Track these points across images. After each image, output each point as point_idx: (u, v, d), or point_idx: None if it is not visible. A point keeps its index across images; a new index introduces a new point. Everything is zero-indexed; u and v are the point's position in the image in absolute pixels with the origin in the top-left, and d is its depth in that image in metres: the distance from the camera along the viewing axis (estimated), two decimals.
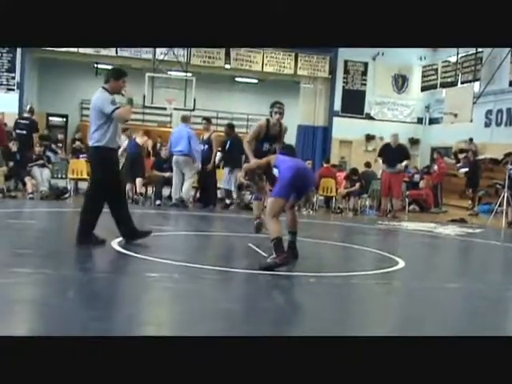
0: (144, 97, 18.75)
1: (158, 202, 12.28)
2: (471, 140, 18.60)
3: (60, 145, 17.65)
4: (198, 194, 13.19)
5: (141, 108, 20.61)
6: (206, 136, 12.62)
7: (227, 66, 20.39)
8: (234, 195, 12.77)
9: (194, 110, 18.54)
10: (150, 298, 4.42)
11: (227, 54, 20.08)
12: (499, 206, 12.56)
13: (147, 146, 14.31)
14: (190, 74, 19.45)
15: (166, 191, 12.75)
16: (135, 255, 5.76)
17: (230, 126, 13.08)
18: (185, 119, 12.68)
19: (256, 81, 23.43)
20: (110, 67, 21.72)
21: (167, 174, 12.62)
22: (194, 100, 18.78)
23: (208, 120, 13.01)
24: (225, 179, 12.55)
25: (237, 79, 23.45)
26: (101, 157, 6.22)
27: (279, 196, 5.66)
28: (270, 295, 4.58)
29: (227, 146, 12.53)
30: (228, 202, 12.54)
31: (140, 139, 12.92)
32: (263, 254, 6.21)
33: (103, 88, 6.23)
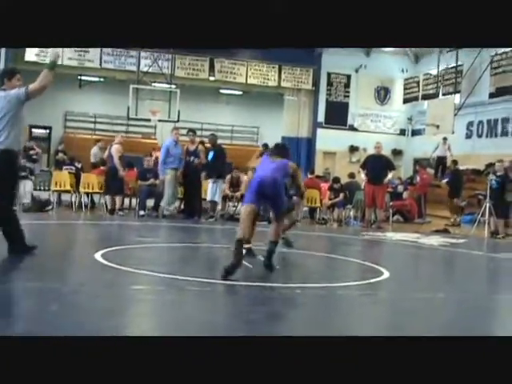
0: (128, 108, 18.73)
1: (141, 212, 12.22)
2: (445, 139, 18.71)
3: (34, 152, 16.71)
4: (182, 205, 13.14)
5: (125, 120, 20.60)
6: (192, 148, 12.61)
7: (211, 78, 20.45)
8: (219, 207, 12.76)
9: (178, 121, 18.55)
10: (134, 310, 4.39)
11: (211, 66, 20.15)
12: (482, 216, 12.67)
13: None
14: (174, 86, 19.47)
15: (150, 202, 12.70)
16: (120, 267, 5.72)
17: (214, 137, 13.10)
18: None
19: (240, 92, 23.53)
20: (94, 79, 21.83)
21: (149, 182, 12.58)
22: (179, 112, 18.80)
23: (193, 132, 13.03)
24: (210, 191, 12.50)
25: (221, 91, 23.53)
26: (6, 160, 5.78)
27: (246, 202, 6.04)
28: (255, 306, 4.57)
29: (211, 156, 12.53)
30: (212, 213, 12.51)
31: (114, 149, 12.37)
32: (248, 264, 6.20)
33: (1, 89, 5.90)
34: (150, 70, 19.24)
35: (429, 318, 4.65)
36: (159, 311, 4.37)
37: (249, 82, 20.75)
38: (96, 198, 13.65)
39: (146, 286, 5.07)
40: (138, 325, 3.96)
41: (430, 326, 4.33)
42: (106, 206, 12.72)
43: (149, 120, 20.01)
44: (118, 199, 12.32)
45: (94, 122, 23.81)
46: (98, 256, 6.22)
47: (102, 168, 13.66)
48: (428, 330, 4.13)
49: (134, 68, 19.35)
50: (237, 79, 20.61)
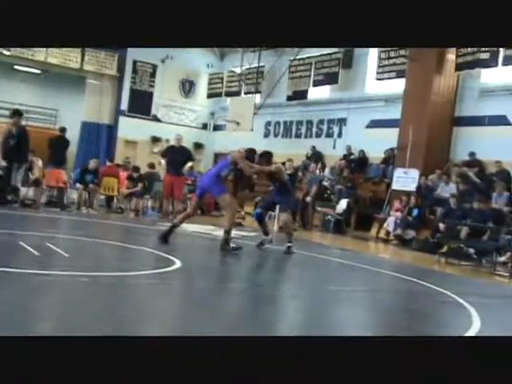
0: None
1: None
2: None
3: None
4: None
5: None
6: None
7: (6, 53, 19.03)
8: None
9: None
10: None
11: None
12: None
13: None
14: None
15: None
16: None
17: (19, 114, 12.01)
18: None
19: (39, 71, 22.16)
20: None
21: None
22: None
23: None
24: (13, 176, 11.53)
25: (16, 67, 21.92)
26: None
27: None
28: (40, 294, 4.36)
29: (14, 138, 11.50)
30: (10, 198, 11.61)
31: None
32: (34, 252, 5.92)
33: None
34: None
35: (215, 307, 4.82)
36: None
37: (48, 60, 19.70)
38: None
39: None
40: None
41: (216, 315, 4.49)
42: None
43: None
44: None
45: None
46: None
47: None
48: (214, 321, 4.28)
49: None
50: (35, 57, 19.44)
